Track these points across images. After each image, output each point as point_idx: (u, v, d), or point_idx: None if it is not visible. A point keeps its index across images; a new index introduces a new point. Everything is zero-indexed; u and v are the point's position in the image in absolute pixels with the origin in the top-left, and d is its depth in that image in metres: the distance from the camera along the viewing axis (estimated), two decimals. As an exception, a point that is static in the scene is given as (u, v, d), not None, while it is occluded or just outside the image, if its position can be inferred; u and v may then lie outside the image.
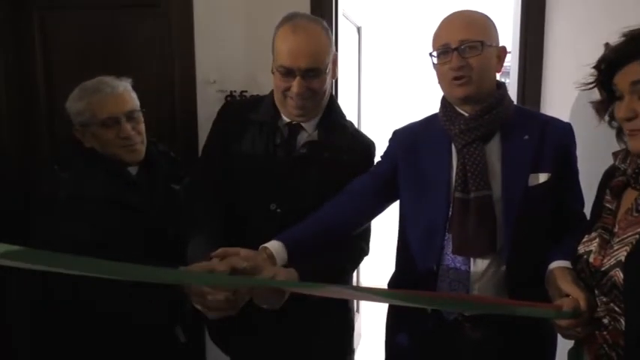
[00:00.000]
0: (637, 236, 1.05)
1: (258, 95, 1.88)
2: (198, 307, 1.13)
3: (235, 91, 2.20)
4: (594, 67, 1.16)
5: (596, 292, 1.11)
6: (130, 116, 1.59)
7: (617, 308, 1.06)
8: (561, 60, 2.02)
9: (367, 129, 1.74)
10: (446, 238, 1.36)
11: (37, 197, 1.59)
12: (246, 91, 2.20)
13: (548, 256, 1.26)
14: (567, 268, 1.20)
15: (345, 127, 1.61)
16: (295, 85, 1.43)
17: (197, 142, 2.21)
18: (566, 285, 1.14)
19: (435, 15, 1.55)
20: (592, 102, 1.20)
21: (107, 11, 2.28)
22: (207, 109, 2.13)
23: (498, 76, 1.42)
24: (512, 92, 2.05)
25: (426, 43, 1.42)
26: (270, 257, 1.22)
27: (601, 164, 1.29)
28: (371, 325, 3.23)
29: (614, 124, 1.16)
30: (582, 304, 1.08)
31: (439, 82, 1.38)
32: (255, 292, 1.17)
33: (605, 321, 1.09)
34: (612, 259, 1.08)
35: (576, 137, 1.41)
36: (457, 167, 1.35)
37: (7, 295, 2.13)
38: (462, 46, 1.29)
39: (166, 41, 2.24)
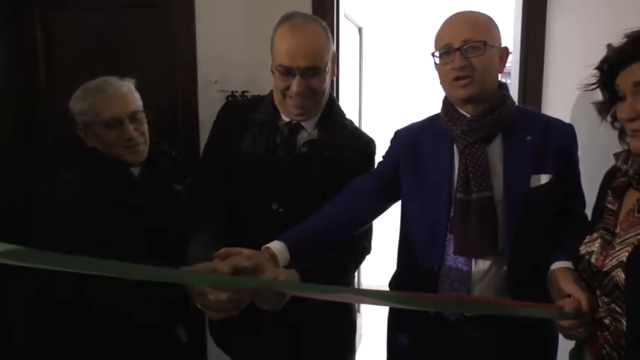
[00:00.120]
0: (639, 237, 1.05)
1: (258, 95, 1.88)
2: (201, 307, 1.13)
3: (236, 91, 2.21)
4: (597, 68, 1.16)
5: (598, 292, 1.11)
6: (133, 117, 1.59)
7: (618, 309, 1.06)
8: (562, 61, 2.02)
9: (368, 129, 1.74)
10: (447, 238, 1.36)
11: (39, 197, 1.59)
12: (247, 92, 2.20)
13: (550, 256, 1.26)
14: (569, 268, 1.20)
15: (345, 125, 1.62)
16: (295, 84, 1.43)
17: (198, 142, 2.21)
18: (568, 285, 1.14)
19: (436, 16, 1.55)
20: (594, 103, 1.20)
21: (109, 11, 2.29)
22: (209, 109, 2.14)
23: (500, 77, 1.42)
24: (513, 93, 2.05)
25: (427, 43, 1.42)
26: (273, 257, 1.22)
27: (601, 165, 1.29)
28: (372, 325, 3.23)
29: (617, 124, 1.16)
30: (584, 304, 1.08)
31: (441, 83, 1.38)
32: (256, 294, 1.16)
33: (607, 321, 1.09)
34: (614, 260, 1.08)
35: (577, 138, 1.41)
36: (459, 168, 1.35)
37: (7, 294, 2.12)
38: (464, 46, 1.29)
39: (168, 41, 2.24)
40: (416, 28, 3.97)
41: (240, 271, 1.11)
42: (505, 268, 1.33)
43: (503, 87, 1.41)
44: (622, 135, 1.17)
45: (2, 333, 2.15)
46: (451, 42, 1.31)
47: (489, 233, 1.31)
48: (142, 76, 1.72)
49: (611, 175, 1.23)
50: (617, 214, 1.14)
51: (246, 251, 1.16)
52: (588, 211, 1.32)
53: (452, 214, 1.35)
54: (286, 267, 1.24)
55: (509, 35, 2.09)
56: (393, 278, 1.55)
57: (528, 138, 1.34)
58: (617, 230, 1.12)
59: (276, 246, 1.24)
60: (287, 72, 1.43)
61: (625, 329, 1.05)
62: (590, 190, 1.36)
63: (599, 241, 1.14)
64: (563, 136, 1.37)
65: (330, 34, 1.51)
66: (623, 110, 1.09)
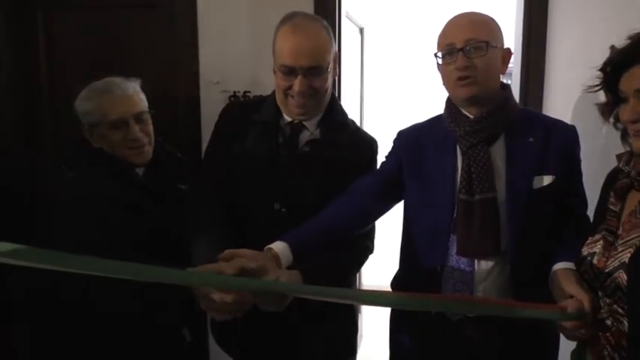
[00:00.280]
0: (641, 238, 1.06)
1: (260, 95, 1.88)
2: (205, 308, 1.13)
3: (239, 92, 2.21)
4: (600, 70, 1.16)
5: (600, 293, 1.12)
6: (138, 118, 1.59)
7: (620, 310, 1.07)
8: (563, 62, 2.02)
9: (370, 130, 1.74)
10: (450, 239, 1.36)
11: (44, 197, 1.59)
12: (249, 92, 2.20)
13: (552, 257, 1.27)
14: (571, 269, 1.21)
15: (347, 124, 1.62)
16: (297, 83, 1.43)
17: (200, 142, 2.21)
18: (570, 286, 1.14)
19: (437, 16, 1.56)
20: (597, 104, 1.20)
21: (111, 11, 2.29)
22: (211, 109, 2.13)
23: (501, 78, 1.42)
24: (515, 94, 2.04)
25: (429, 44, 1.42)
26: (275, 258, 1.22)
27: (603, 166, 1.29)
28: (373, 325, 3.23)
29: (619, 126, 1.17)
30: (586, 305, 1.09)
31: (444, 84, 1.39)
32: (258, 295, 1.16)
33: (609, 322, 1.09)
34: (616, 261, 1.08)
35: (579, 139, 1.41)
36: (462, 169, 1.35)
37: (11, 294, 2.13)
38: (467, 47, 1.29)
39: (170, 41, 2.24)
40: (417, 29, 3.98)
41: (245, 272, 1.11)
42: (507, 268, 1.34)
43: (507, 88, 1.42)
44: (624, 136, 1.17)
45: (3, 333, 2.15)
46: (454, 42, 1.31)
47: (492, 234, 1.32)
48: (144, 76, 1.71)
49: (613, 177, 1.23)
50: (619, 215, 1.15)
51: (250, 252, 1.16)
52: (590, 212, 1.33)
53: (455, 214, 1.35)
54: (289, 267, 1.24)
55: (511, 36, 2.09)
56: (395, 278, 1.55)
57: (531, 139, 1.35)
58: (620, 231, 1.13)
59: (278, 246, 1.24)
60: (289, 72, 1.44)
61: (626, 330, 1.05)
62: (591, 191, 1.36)
63: (601, 242, 1.14)
64: (565, 137, 1.37)
65: (331, 34, 1.51)
66: (625, 112, 1.10)
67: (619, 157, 1.19)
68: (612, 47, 1.15)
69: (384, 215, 1.51)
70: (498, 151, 1.35)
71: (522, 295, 1.25)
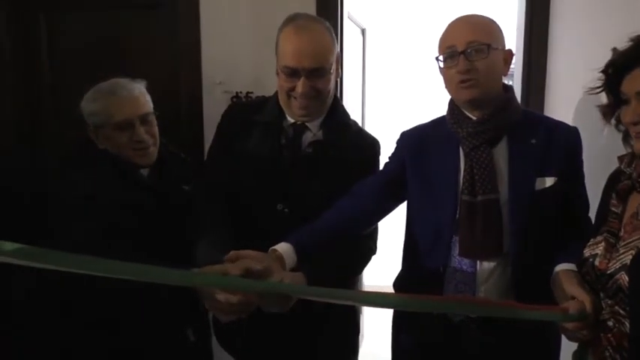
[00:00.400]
0: (643, 240, 1.06)
1: (263, 96, 1.88)
2: (210, 309, 1.13)
3: (241, 92, 2.22)
4: (602, 72, 1.17)
5: (601, 295, 1.12)
6: (144, 119, 1.60)
7: (621, 311, 1.07)
8: (565, 63, 2.03)
9: (371, 131, 1.75)
10: (453, 240, 1.37)
11: (49, 197, 1.60)
12: (252, 92, 2.21)
13: (554, 258, 1.27)
14: (573, 270, 1.21)
15: (350, 125, 1.62)
16: (300, 85, 1.44)
17: (203, 142, 2.22)
18: (572, 288, 1.15)
19: (439, 17, 1.56)
20: (599, 105, 1.21)
21: (113, 12, 2.30)
22: (213, 110, 2.14)
23: (503, 79, 1.43)
24: (516, 95, 2.04)
25: (430, 45, 1.43)
26: (280, 259, 1.23)
27: (604, 167, 1.30)
28: (374, 325, 3.23)
29: (621, 127, 1.17)
30: (588, 306, 1.09)
31: (446, 86, 1.39)
32: (262, 296, 1.17)
33: (610, 323, 1.09)
34: (618, 263, 1.09)
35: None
36: (464, 170, 1.35)
37: (15, 294, 2.13)
38: (468, 49, 1.29)
39: (173, 42, 2.25)
40: (419, 30, 3.99)
41: (250, 273, 1.11)
42: (509, 269, 1.34)
43: (509, 90, 1.42)
44: (626, 138, 1.18)
45: (4, 333, 2.16)
46: (455, 45, 1.31)
47: (494, 235, 1.32)
48: (147, 76, 1.72)
49: (614, 178, 1.23)
50: (621, 217, 1.15)
51: (255, 254, 1.17)
52: (592, 214, 1.33)
53: (457, 215, 1.35)
54: (293, 268, 1.25)
55: (512, 37, 2.09)
56: (398, 279, 1.56)
57: (533, 141, 1.35)
58: (621, 233, 1.13)
59: (283, 248, 1.25)
60: (292, 73, 1.44)
61: (628, 331, 1.05)
62: (592, 192, 1.37)
63: (603, 244, 1.15)
64: (568, 138, 1.37)
65: (334, 35, 1.52)
66: (627, 114, 1.10)
67: (620, 158, 1.20)
68: (614, 49, 1.15)
69: (386, 216, 1.52)
70: (501, 153, 1.35)
71: (524, 296, 1.25)
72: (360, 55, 3.20)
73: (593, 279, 1.14)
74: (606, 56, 1.17)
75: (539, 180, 1.33)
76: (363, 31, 3.24)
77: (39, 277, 1.39)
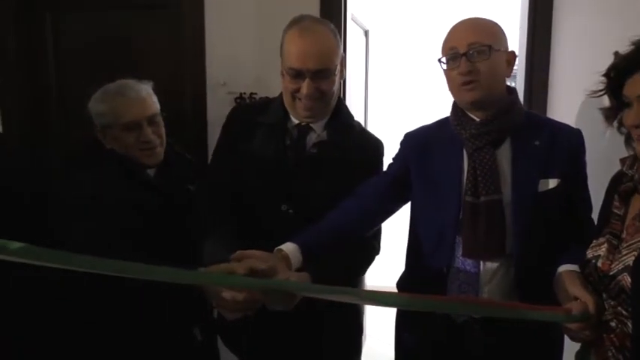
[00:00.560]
0: (645, 241, 1.07)
1: (267, 98, 1.89)
2: (217, 307, 1.14)
3: (245, 93, 2.23)
4: (604, 75, 1.17)
5: (604, 295, 1.13)
6: (151, 120, 1.61)
7: (624, 311, 1.08)
8: (568, 65, 2.04)
9: (374, 132, 1.76)
10: (456, 240, 1.37)
11: (55, 197, 1.61)
12: (255, 93, 2.22)
13: (557, 259, 1.28)
14: (575, 271, 1.22)
15: (353, 126, 1.63)
16: (305, 86, 1.45)
17: (207, 143, 2.23)
18: (575, 288, 1.15)
19: (441, 19, 1.57)
20: (601, 108, 1.21)
21: (118, 12, 2.31)
22: (217, 110, 2.15)
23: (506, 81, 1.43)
24: (519, 97, 2.06)
25: (433, 46, 1.44)
26: (285, 259, 1.24)
27: (606, 169, 1.30)
28: (377, 325, 3.24)
29: (623, 130, 1.18)
30: (591, 307, 1.10)
31: (449, 89, 1.40)
32: (266, 294, 1.18)
33: (613, 324, 1.10)
34: (620, 264, 1.09)
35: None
36: (468, 171, 1.36)
37: (21, 293, 2.14)
38: (470, 51, 1.30)
39: (177, 43, 2.26)
40: (422, 31, 4.00)
41: (255, 273, 1.12)
42: (513, 270, 1.35)
43: (513, 92, 1.43)
44: (628, 140, 1.18)
45: (5, 333, 2.17)
46: (457, 46, 1.32)
47: (497, 236, 1.33)
48: (151, 77, 1.73)
49: (617, 180, 1.24)
50: (623, 218, 1.16)
51: (260, 253, 1.17)
52: (594, 215, 1.34)
53: (461, 216, 1.36)
54: (298, 269, 1.25)
55: (515, 39, 2.10)
56: (401, 279, 1.57)
57: (537, 143, 1.36)
58: (624, 235, 1.13)
59: (289, 248, 1.26)
60: (297, 74, 1.45)
61: (630, 331, 1.06)
62: (595, 194, 1.37)
63: (605, 245, 1.15)
64: (571, 141, 1.38)
65: (339, 37, 1.52)
66: (629, 117, 1.11)
67: (622, 160, 1.20)
68: (616, 53, 1.16)
69: (390, 216, 1.53)
70: (504, 154, 1.36)
71: (527, 297, 1.26)
72: (363, 56, 3.21)
73: (595, 280, 1.15)
74: (609, 58, 1.18)
75: (542, 182, 1.34)
76: (366, 33, 3.25)
77: (43, 277, 1.40)
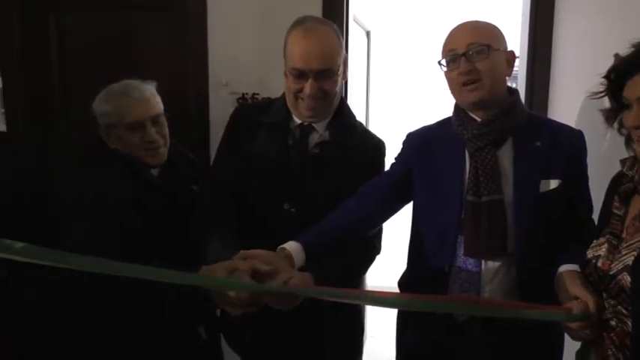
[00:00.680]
0: (644, 241, 1.08)
1: (269, 98, 1.90)
2: (220, 303, 1.15)
3: (247, 94, 2.23)
4: (604, 77, 1.18)
5: (604, 295, 1.13)
6: (155, 120, 1.62)
7: (624, 310, 1.08)
8: (569, 66, 2.04)
9: (376, 132, 1.77)
10: (458, 240, 1.38)
11: (59, 197, 1.61)
12: (258, 94, 2.22)
13: (558, 259, 1.29)
14: (576, 271, 1.23)
15: (355, 126, 1.64)
16: (308, 86, 1.46)
17: (209, 143, 2.23)
18: (576, 288, 1.16)
19: (443, 20, 1.58)
20: (602, 110, 1.22)
21: (122, 13, 2.31)
22: (220, 110, 2.16)
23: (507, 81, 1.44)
24: (520, 97, 2.07)
25: (434, 47, 1.44)
26: (289, 257, 1.24)
27: (607, 170, 1.31)
28: (378, 325, 3.24)
29: (623, 131, 1.18)
30: (591, 306, 1.10)
31: (451, 91, 1.41)
32: (269, 295, 1.18)
33: (613, 323, 1.11)
34: (620, 264, 1.10)
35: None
36: (469, 171, 1.37)
37: (24, 293, 2.15)
38: (469, 51, 1.31)
39: (179, 43, 2.27)
40: (423, 32, 4.00)
41: (258, 273, 1.12)
42: (514, 269, 1.36)
43: (515, 93, 1.44)
44: (628, 142, 1.19)
45: (6, 333, 2.17)
46: (456, 47, 1.33)
47: (499, 235, 1.34)
48: (154, 77, 1.74)
49: (617, 181, 1.25)
50: (623, 219, 1.16)
51: (263, 253, 1.17)
52: (595, 216, 1.35)
53: (462, 216, 1.37)
54: (301, 267, 1.26)
55: (517, 40, 2.11)
56: (403, 278, 1.58)
57: (538, 143, 1.37)
58: (624, 235, 1.14)
59: (292, 246, 1.26)
60: (300, 75, 1.46)
61: (630, 330, 1.07)
62: (595, 194, 1.38)
63: (605, 245, 1.16)
64: (572, 142, 1.39)
65: (341, 38, 1.54)
66: (629, 118, 1.12)
67: (623, 161, 1.21)
68: (616, 55, 1.17)
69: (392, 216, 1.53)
70: (506, 154, 1.37)
71: (528, 296, 1.26)
72: (364, 57, 3.22)
73: (596, 280, 1.16)
74: (610, 60, 1.19)
75: (543, 182, 1.34)
76: (368, 34, 3.26)
77: (48, 277, 1.41)
